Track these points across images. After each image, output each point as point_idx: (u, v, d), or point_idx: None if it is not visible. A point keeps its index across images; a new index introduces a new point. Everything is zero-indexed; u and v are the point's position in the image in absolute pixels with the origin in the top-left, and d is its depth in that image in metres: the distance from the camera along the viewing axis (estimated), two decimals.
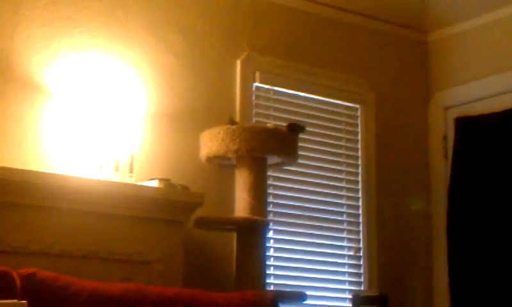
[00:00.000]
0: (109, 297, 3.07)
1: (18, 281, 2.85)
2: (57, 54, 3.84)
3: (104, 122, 3.84)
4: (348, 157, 4.79)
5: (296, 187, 4.55)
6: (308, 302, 3.99)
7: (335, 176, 4.72)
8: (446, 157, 4.98)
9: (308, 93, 4.68)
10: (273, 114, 4.49)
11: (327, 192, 4.66)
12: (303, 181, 4.57)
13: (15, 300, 2.38)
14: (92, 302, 3.02)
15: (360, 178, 4.79)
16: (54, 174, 3.50)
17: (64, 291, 2.97)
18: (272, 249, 4.40)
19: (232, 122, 3.93)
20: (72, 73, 3.86)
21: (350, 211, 4.74)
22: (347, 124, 4.82)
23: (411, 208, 4.93)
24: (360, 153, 4.82)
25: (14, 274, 2.85)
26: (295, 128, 3.99)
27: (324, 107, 4.74)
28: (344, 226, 4.71)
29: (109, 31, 4.02)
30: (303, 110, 4.64)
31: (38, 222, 3.32)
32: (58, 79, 3.83)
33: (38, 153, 3.73)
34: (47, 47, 3.82)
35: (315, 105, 4.70)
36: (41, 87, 3.78)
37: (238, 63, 4.41)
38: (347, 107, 4.84)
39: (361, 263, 4.71)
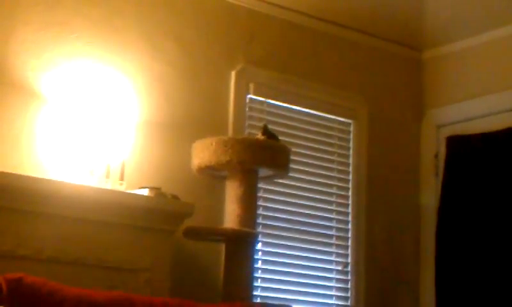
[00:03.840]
0: (95, 304, 3.06)
1: (4, 286, 2.84)
2: (52, 60, 3.84)
3: (96, 129, 3.85)
4: (339, 171, 4.80)
5: (286, 200, 4.56)
6: None
7: (326, 190, 4.73)
8: (437, 175, 5.00)
9: (302, 106, 4.69)
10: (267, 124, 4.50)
11: (317, 206, 4.67)
12: (293, 194, 4.58)
13: (1, 306, 2.38)
14: None
15: (350, 193, 4.80)
16: (45, 179, 3.50)
17: (50, 297, 2.96)
18: (260, 261, 4.41)
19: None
20: (66, 79, 3.87)
21: (339, 226, 4.75)
22: (340, 139, 4.84)
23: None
24: (351, 168, 4.83)
25: (0, 278, 2.85)
26: (268, 132, 3.97)
27: (317, 121, 4.75)
28: (333, 241, 4.72)
29: (105, 38, 4.03)
30: (296, 124, 4.65)
31: (27, 227, 3.32)
32: (52, 85, 3.83)
33: (30, 157, 3.73)
34: (42, 52, 3.82)
35: (308, 119, 4.71)
36: (35, 92, 3.79)
37: (233, 74, 4.43)
38: (340, 122, 4.85)
39: (349, 278, 4.71)
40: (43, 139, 3.78)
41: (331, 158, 4.78)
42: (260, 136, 3.93)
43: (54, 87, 3.83)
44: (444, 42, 5.13)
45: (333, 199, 4.75)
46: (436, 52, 5.19)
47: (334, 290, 4.68)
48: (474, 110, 4.91)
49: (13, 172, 3.43)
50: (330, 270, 4.68)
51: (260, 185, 4.22)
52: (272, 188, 4.48)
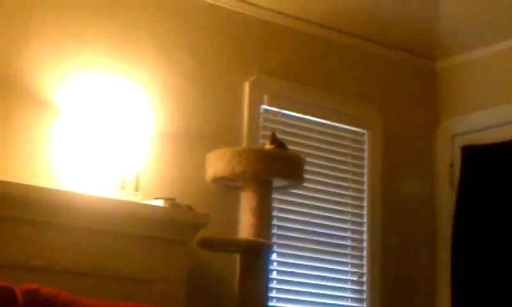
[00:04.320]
0: None
1: (20, 297, 2.85)
2: (67, 72, 3.86)
3: (111, 140, 3.86)
4: (354, 181, 4.79)
5: (301, 210, 4.55)
6: None
7: (340, 200, 4.72)
8: (452, 185, 4.98)
9: (316, 117, 4.68)
10: (280, 137, 4.49)
11: (332, 217, 4.66)
12: (308, 204, 4.57)
13: None
14: None
15: (365, 203, 4.79)
16: (59, 191, 3.51)
17: None
18: (275, 272, 4.40)
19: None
20: (81, 90, 3.88)
21: (354, 236, 4.73)
22: (354, 149, 4.83)
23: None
24: (365, 179, 4.82)
25: (16, 289, 2.85)
26: (276, 141, 3.97)
27: (332, 132, 4.75)
28: (348, 251, 4.70)
29: (119, 50, 4.04)
30: (310, 134, 4.65)
31: (41, 238, 3.32)
32: (67, 96, 3.85)
33: (45, 169, 3.75)
34: (57, 64, 3.84)
35: (322, 129, 4.71)
36: (50, 104, 3.81)
37: (246, 85, 4.43)
38: (354, 132, 4.84)
39: (364, 288, 4.70)
40: (58, 151, 3.79)
41: (346, 168, 4.77)
42: (268, 145, 3.93)
43: (68, 99, 3.85)
44: (458, 51, 5.12)
45: (347, 209, 4.74)
46: (451, 62, 5.18)
47: (349, 300, 4.66)
48: (489, 120, 4.90)
49: (29, 183, 3.44)
50: (345, 281, 4.67)
51: (275, 195, 4.22)
52: (286, 198, 4.47)
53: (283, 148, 3.96)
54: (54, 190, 3.49)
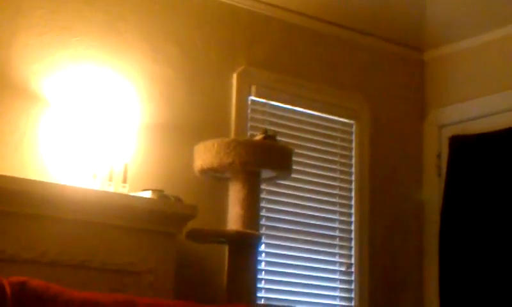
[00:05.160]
0: None
1: (8, 290, 2.85)
2: (54, 63, 3.85)
3: (99, 132, 3.85)
4: (342, 172, 4.80)
5: (289, 201, 4.56)
6: None
7: (329, 191, 4.73)
8: (439, 175, 5.00)
9: (304, 107, 4.69)
10: (268, 128, 4.49)
11: (320, 207, 4.67)
12: (296, 195, 4.58)
13: None
14: None
15: (353, 194, 4.81)
16: (48, 183, 3.50)
17: (54, 301, 2.95)
18: (264, 263, 4.41)
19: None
20: (69, 82, 3.87)
21: (342, 226, 4.75)
22: (342, 140, 4.84)
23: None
24: (353, 169, 4.83)
25: (4, 282, 2.85)
26: (270, 136, 3.98)
27: (319, 123, 4.75)
28: (336, 242, 4.72)
29: (107, 42, 4.03)
30: (298, 125, 4.65)
31: (30, 231, 3.32)
32: (55, 88, 3.84)
33: (33, 161, 3.74)
34: (44, 56, 3.83)
35: (310, 120, 4.71)
36: (38, 96, 3.80)
37: (234, 76, 4.43)
38: (342, 123, 4.85)
39: (353, 278, 4.71)
40: (45, 143, 3.79)
41: (334, 159, 4.78)
42: (259, 138, 3.93)
43: (56, 91, 3.84)
44: (446, 42, 5.13)
45: (336, 199, 4.76)
46: (438, 52, 5.19)
47: (338, 290, 4.68)
48: (477, 110, 4.92)
49: (16, 176, 3.43)
50: (334, 271, 4.68)
51: (263, 186, 4.23)
52: (275, 189, 4.48)
53: (272, 140, 3.97)
54: (42, 182, 3.48)
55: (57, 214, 3.38)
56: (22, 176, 3.46)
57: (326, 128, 4.78)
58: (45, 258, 3.33)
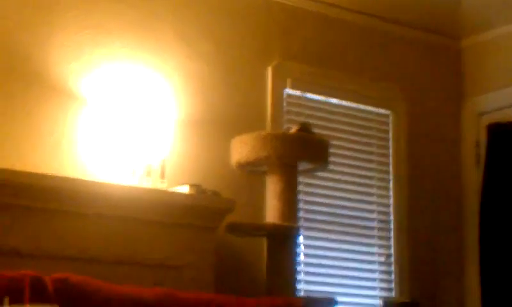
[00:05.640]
0: (140, 301, 3.10)
1: (51, 286, 2.89)
2: (91, 62, 3.89)
3: (136, 129, 3.89)
4: (379, 163, 4.79)
5: (327, 193, 4.56)
6: None
7: (366, 182, 4.72)
8: (478, 163, 4.96)
9: (340, 99, 4.68)
10: (304, 121, 4.49)
11: (358, 198, 4.66)
12: (333, 187, 4.58)
13: (47, 305, 2.42)
14: (124, 306, 3.05)
15: (391, 184, 4.79)
16: (87, 181, 3.55)
17: (95, 295, 3.00)
18: (302, 255, 4.42)
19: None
20: (105, 80, 3.91)
21: (381, 217, 4.74)
22: (379, 130, 4.82)
23: None
24: (391, 159, 4.81)
25: (46, 278, 2.89)
26: (305, 129, 3.98)
27: (356, 114, 4.74)
28: (375, 233, 4.71)
29: (142, 39, 4.06)
30: (334, 117, 4.65)
31: (71, 228, 3.36)
32: (92, 87, 3.88)
33: (72, 159, 3.79)
34: (80, 55, 3.87)
35: (346, 112, 4.71)
36: (75, 95, 3.84)
37: (269, 70, 4.44)
38: (378, 114, 4.83)
39: (392, 269, 4.70)
40: (84, 141, 3.83)
41: (371, 149, 4.77)
42: (294, 130, 3.94)
43: (93, 89, 3.88)
44: (482, 29, 5.08)
45: (373, 190, 4.74)
46: (475, 40, 5.15)
47: (377, 281, 4.67)
48: None
49: (56, 174, 3.48)
50: (373, 262, 4.67)
51: (300, 179, 4.23)
52: (312, 182, 4.48)
53: (308, 132, 3.97)
54: (81, 180, 3.52)
55: (97, 211, 3.42)
56: (61, 175, 3.51)
57: (362, 119, 4.77)
58: (86, 254, 3.37)
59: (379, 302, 4.56)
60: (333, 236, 4.54)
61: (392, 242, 4.72)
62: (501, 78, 4.98)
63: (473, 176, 4.98)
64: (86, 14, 3.92)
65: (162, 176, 3.84)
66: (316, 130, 4.16)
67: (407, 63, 4.99)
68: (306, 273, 4.42)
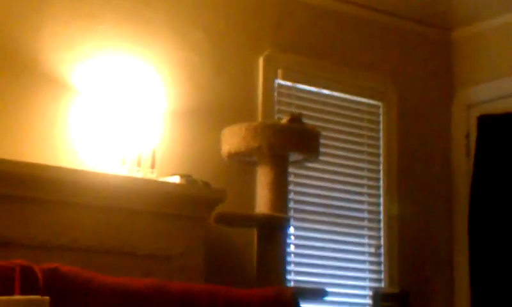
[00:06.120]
0: (131, 291, 3.09)
1: (40, 276, 2.88)
2: (82, 52, 3.88)
3: (127, 118, 3.88)
4: (370, 154, 4.80)
5: (317, 183, 4.56)
6: (328, 298, 4.00)
7: (357, 173, 4.73)
8: (468, 155, 4.97)
9: (330, 90, 4.69)
10: (294, 111, 4.50)
11: (348, 189, 4.67)
12: (324, 178, 4.59)
13: (38, 296, 2.42)
14: (114, 296, 3.04)
15: (381, 175, 4.80)
16: (78, 170, 3.53)
17: (86, 285, 2.99)
18: (292, 246, 4.43)
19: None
20: (97, 70, 3.90)
21: (371, 208, 4.75)
22: (369, 121, 4.83)
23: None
24: (381, 150, 4.82)
25: (36, 268, 2.89)
26: (296, 119, 3.97)
27: (346, 105, 4.75)
28: (365, 223, 4.72)
29: (133, 29, 4.05)
30: (325, 108, 4.65)
31: (60, 217, 3.36)
32: (83, 76, 3.87)
33: (63, 149, 3.78)
34: (72, 45, 3.86)
35: (337, 103, 4.71)
36: (67, 85, 3.83)
37: (260, 60, 4.44)
38: (369, 105, 4.84)
39: (382, 260, 4.72)
40: (75, 130, 3.82)
41: (361, 140, 4.78)
42: (285, 121, 3.94)
43: (85, 79, 3.87)
44: (474, 21, 5.09)
45: (364, 181, 4.75)
46: (465, 32, 5.15)
47: (367, 272, 4.69)
48: (505, 89, 4.88)
49: (46, 163, 3.47)
50: (363, 253, 4.69)
51: (291, 169, 4.24)
52: (303, 172, 4.49)
53: (298, 122, 3.97)
54: (72, 169, 3.51)
55: (87, 201, 3.42)
56: (52, 164, 3.50)
57: (353, 110, 4.77)
58: (76, 244, 3.37)
59: (369, 292, 4.58)
60: (323, 227, 4.55)
61: (381, 233, 4.73)
62: (491, 70, 4.99)
63: (463, 168, 4.99)
64: (77, 3, 3.91)
65: (153, 166, 3.84)
66: (307, 121, 4.17)
67: (398, 54, 5.00)
68: (296, 264, 4.42)
